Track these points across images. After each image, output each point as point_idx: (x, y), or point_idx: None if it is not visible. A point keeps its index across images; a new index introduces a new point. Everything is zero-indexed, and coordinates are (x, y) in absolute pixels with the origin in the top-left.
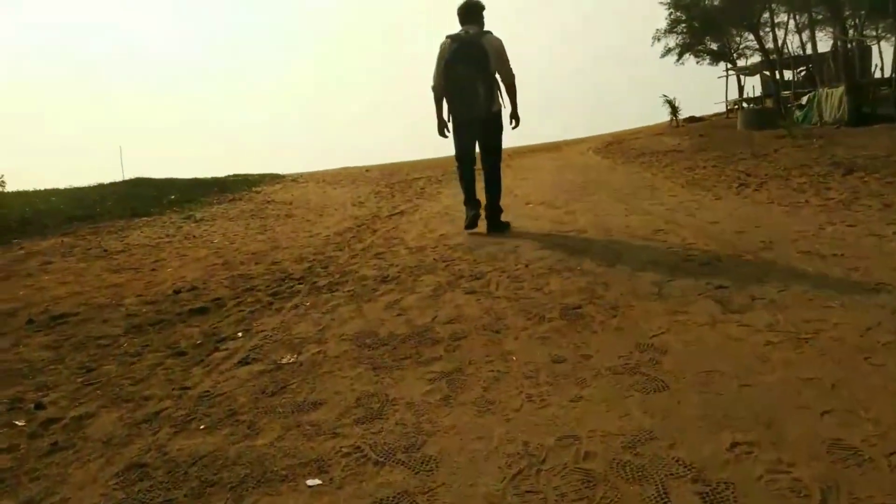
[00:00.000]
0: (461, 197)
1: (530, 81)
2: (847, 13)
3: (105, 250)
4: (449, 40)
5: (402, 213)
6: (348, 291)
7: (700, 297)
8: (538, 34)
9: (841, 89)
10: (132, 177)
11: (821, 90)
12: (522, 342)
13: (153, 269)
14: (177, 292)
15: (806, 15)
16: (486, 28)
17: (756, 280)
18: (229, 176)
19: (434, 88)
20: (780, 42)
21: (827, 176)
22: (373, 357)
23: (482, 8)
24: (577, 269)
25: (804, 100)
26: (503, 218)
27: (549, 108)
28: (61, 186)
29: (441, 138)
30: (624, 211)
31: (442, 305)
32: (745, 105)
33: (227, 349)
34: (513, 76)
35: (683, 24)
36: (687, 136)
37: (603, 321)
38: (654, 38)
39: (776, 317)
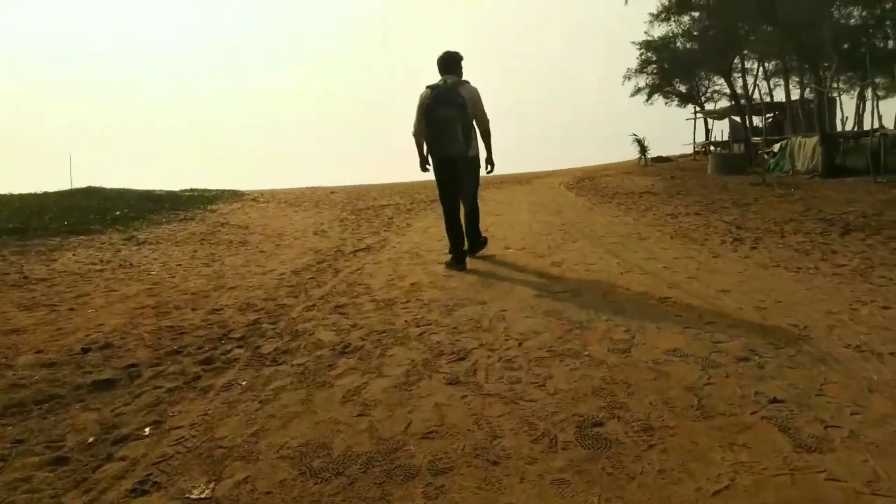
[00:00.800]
0: (429, 232)
1: (501, 111)
2: (824, 64)
3: (25, 277)
4: (429, 90)
5: (367, 248)
6: (298, 366)
7: (755, 418)
8: (509, 64)
9: (815, 139)
10: (83, 185)
11: (793, 139)
12: (530, 489)
13: (71, 309)
14: (86, 350)
15: (777, 62)
16: (463, 77)
17: (815, 392)
18: (186, 191)
19: (415, 134)
20: (749, 88)
21: (824, 234)
22: (320, 500)
23: (460, 59)
24: (584, 354)
25: (776, 147)
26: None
27: (519, 139)
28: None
29: (419, 171)
30: (617, 266)
31: (417, 403)
32: (712, 148)
33: (122, 460)
34: (488, 122)
35: (654, 65)
36: (657, 176)
37: (638, 455)
38: (624, 77)
39: (871, 466)
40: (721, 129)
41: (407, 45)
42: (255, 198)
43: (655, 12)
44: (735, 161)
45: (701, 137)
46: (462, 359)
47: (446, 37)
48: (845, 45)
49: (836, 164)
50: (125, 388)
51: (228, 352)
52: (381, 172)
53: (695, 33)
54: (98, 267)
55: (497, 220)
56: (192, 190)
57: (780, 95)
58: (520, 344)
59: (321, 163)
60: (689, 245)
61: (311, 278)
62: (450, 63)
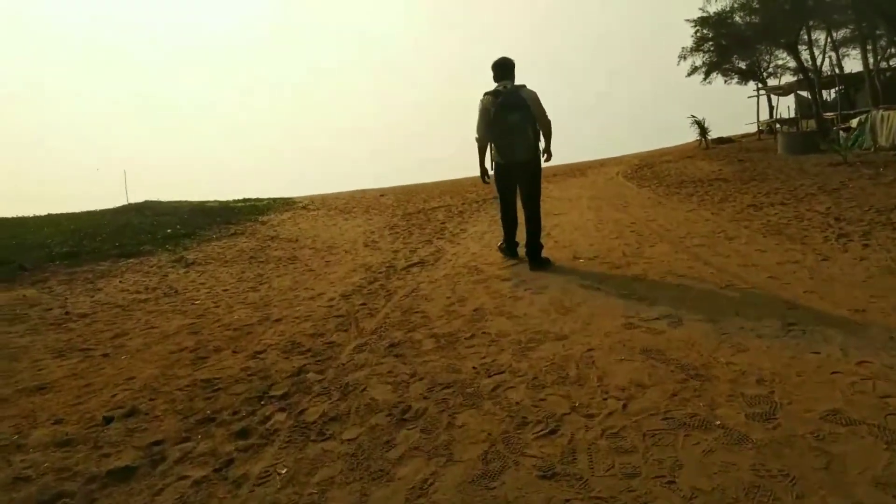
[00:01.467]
0: (486, 239)
1: (550, 97)
2: None
3: (66, 312)
4: (491, 96)
5: (421, 262)
6: (349, 443)
7: None
8: (555, 48)
9: None
10: (140, 200)
11: (874, 112)
12: None
13: (105, 355)
14: (108, 420)
15: (846, 31)
16: (517, 81)
17: None
18: (238, 201)
19: (479, 139)
20: (818, 61)
21: None
22: None
23: (514, 65)
24: (716, 424)
25: (854, 122)
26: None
27: (568, 126)
28: (71, 210)
29: (482, 182)
30: (712, 277)
31: None
32: (778, 126)
33: None
34: (549, 123)
35: (710, 42)
36: (723, 160)
37: None
38: (679, 56)
39: None
40: (787, 106)
41: (449, 43)
42: (307, 206)
43: None
44: (807, 139)
45: (764, 116)
46: (553, 431)
47: (495, 25)
48: None
49: None
50: (144, 478)
51: (268, 418)
52: (428, 171)
53: (755, 5)
54: (143, 296)
55: (558, 220)
56: (245, 200)
57: (849, 66)
58: (624, 406)
59: (370, 163)
60: (787, 245)
61: (363, 304)
62: (506, 68)
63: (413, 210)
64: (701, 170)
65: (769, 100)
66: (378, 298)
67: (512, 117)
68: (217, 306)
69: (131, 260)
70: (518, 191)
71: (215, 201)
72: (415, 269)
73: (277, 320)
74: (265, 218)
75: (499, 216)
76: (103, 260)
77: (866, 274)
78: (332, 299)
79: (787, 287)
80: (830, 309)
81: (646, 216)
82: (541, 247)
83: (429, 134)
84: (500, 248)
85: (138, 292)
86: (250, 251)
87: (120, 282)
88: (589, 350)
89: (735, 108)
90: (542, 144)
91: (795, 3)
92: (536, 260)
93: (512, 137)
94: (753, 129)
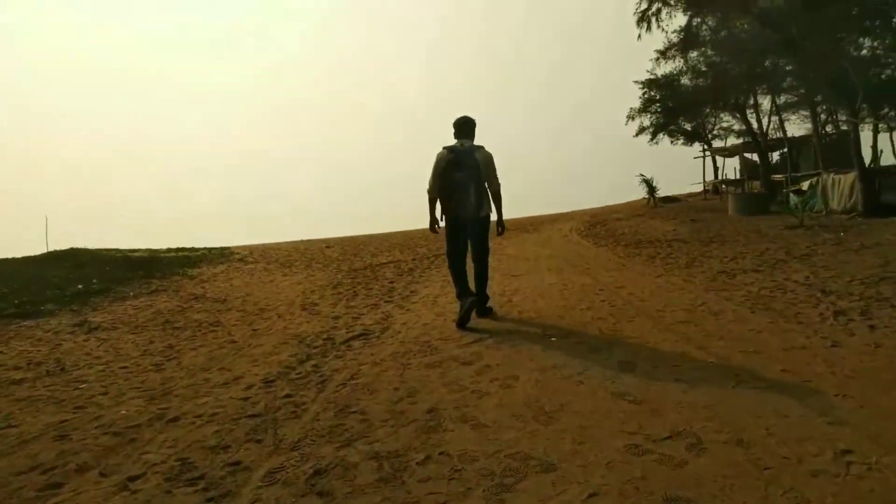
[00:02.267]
0: (439, 305)
1: (501, 150)
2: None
3: None
4: (446, 151)
5: (365, 334)
6: None
7: None
8: (506, 102)
9: (852, 176)
10: (61, 247)
11: (826, 175)
12: None
13: None
14: None
15: (788, 97)
16: (476, 142)
17: None
18: (171, 251)
19: (429, 191)
20: (764, 124)
21: None
22: None
23: (474, 124)
24: None
25: (804, 185)
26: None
27: (518, 180)
28: None
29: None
30: (717, 372)
31: None
32: (724, 187)
33: None
34: (499, 186)
35: (657, 104)
36: (674, 219)
37: None
38: (628, 116)
39: None
40: (734, 167)
41: (405, 84)
42: (244, 257)
43: (662, 49)
44: (758, 200)
45: (710, 176)
46: None
47: (448, 67)
48: (875, 74)
49: (880, 201)
50: None
51: None
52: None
53: (703, 69)
54: (20, 374)
55: (519, 284)
56: (178, 249)
57: (790, 130)
58: None
59: (318, 211)
60: (782, 324)
61: (287, 397)
62: (466, 127)
63: (360, 266)
64: (655, 229)
65: (714, 161)
66: (308, 387)
67: (458, 175)
68: (105, 392)
69: (27, 322)
70: (469, 245)
71: (146, 250)
72: (357, 344)
73: (174, 420)
74: (195, 271)
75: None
76: None
77: (889, 361)
78: (249, 386)
79: (810, 387)
80: (881, 421)
81: (613, 281)
82: (487, 298)
83: (383, 181)
84: (457, 323)
85: (17, 368)
86: (168, 313)
87: (1, 352)
88: (591, 496)
89: (679, 168)
90: (490, 206)
91: (745, 69)
92: (481, 310)
93: (455, 194)
94: (699, 188)
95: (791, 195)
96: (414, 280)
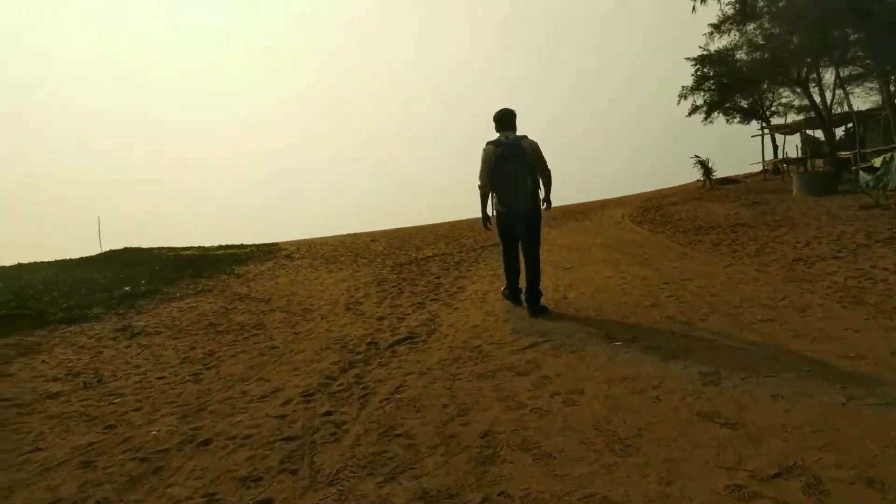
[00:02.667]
0: (489, 303)
1: (542, 134)
2: None
3: None
4: (493, 146)
5: (411, 337)
6: None
7: None
8: (550, 85)
9: None
10: (115, 248)
11: None
12: None
13: None
14: None
15: (854, 68)
16: (519, 132)
17: None
18: (220, 248)
19: (481, 187)
20: (828, 98)
21: None
22: None
23: (515, 116)
24: None
25: (876, 161)
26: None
27: (566, 165)
28: (42, 259)
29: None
30: (816, 381)
31: None
32: (784, 166)
33: None
34: (549, 173)
35: (711, 81)
36: (735, 202)
37: None
38: (679, 95)
39: None
40: (795, 145)
41: (442, 76)
42: (290, 254)
43: (716, 22)
44: (825, 179)
45: (769, 155)
46: None
47: (488, 49)
48: None
49: None
50: None
51: None
52: (424, 212)
53: (761, 42)
54: (56, 387)
55: (573, 278)
56: (226, 247)
57: (856, 104)
58: None
59: (361, 204)
60: (883, 321)
61: (327, 415)
62: (507, 119)
63: (405, 260)
64: (715, 213)
65: (773, 139)
66: (349, 402)
67: (511, 167)
68: (139, 408)
69: (72, 327)
70: (521, 238)
71: (197, 248)
72: (402, 349)
73: (205, 443)
74: (242, 269)
75: (501, 266)
76: (41, 327)
77: None
78: (288, 401)
79: None
80: None
81: (677, 273)
82: (540, 294)
83: (425, 172)
84: (503, 294)
85: (55, 380)
86: (212, 315)
87: (43, 361)
88: None
89: (736, 148)
90: (542, 193)
91: (807, 40)
92: (535, 308)
93: (511, 186)
94: (758, 168)
95: (861, 173)
96: (461, 275)
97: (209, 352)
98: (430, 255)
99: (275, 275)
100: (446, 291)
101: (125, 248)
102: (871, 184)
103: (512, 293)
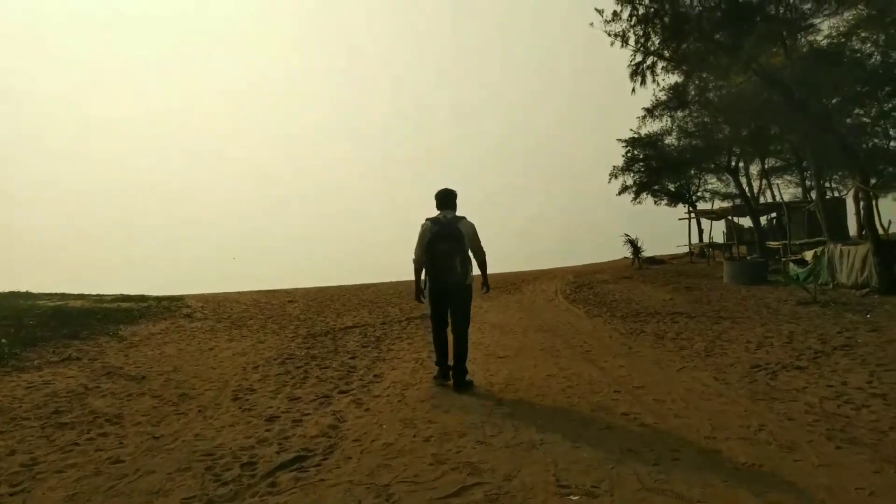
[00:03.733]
0: (408, 400)
1: (473, 198)
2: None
3: None
4: (430, 223)
5: (302, 458)
6: None
7: None
8: (482, 145)
9: (864, 248)
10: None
11: (831, 246)
12: None
13: None
14: None
15: (774, 161)
16: (458, 213)
17: None
18: (117, 298)
19: (415, 261)
20: (755, 188)
21: None
22: None
23: (455, 196)
24: None
25: (807, 255)
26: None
27: (494, 234)
28: None
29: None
30: None
31: None
32: (709, 250)
33: None
34: (484, 254)
35: (641, 163)
36: (667, 285)
37: None
38: (610, 174)
39: None
40: (721, 231)
41: (394, 126)
42: (192, 312)
43: (650, 107)
44: (755, 269)
45: (695, 238)
46: None
47: (429, 121)
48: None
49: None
50: None
51: None
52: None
53: (692, 129)
54: None
55: (509, 373)
56: (126, 298)
57: (776, 195)
58: None
59: (299, 255)
60: (892, 474)
61: None
62: (448, 199)
63: (320, 330)
64: (650, 297)
65: (699, 223)
66: None
67: (442, 246)
68: None
69: None
70: (450, 313)
71: (94, 297)
72: (285, 479)
73: None
74: (129, 330)
75: (427, 346)
76: None
77: None
78: None
79: None
80: None
81: (625, 376)
82: (466, 371)
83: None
84: (434, 378)
85: None
86: (64, 397)
87: None
88: None
89: (663, 227)
90: (474, 272)
91: (741, 130)
92: (460, 384)
93: (444, 264)
94: (684, 249)
95: (791, 265)
96: (380, 356)
97: (30, 461)
98: (350, 324)
99: (164, 341)
100: (360, 380)
101: (11, 292)
102: (800, 276)
103: (440, 369)
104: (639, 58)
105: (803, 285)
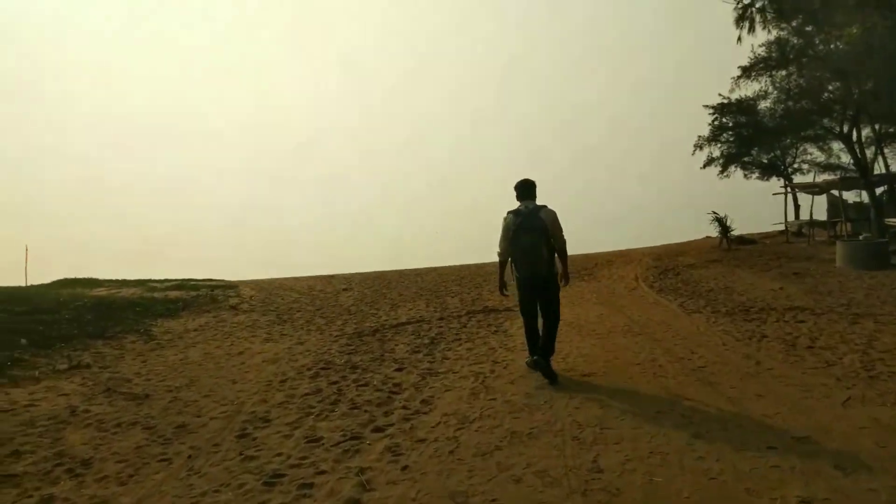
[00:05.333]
0: (461, 451)
1: (544, 176)
2: None
3: None
4: (512, 215)
5: None
6: None
7: None
8: (548, 123)
9: None
10: (60, 278)
11: None
12: None
13: None
14: None
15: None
16: (539, 202)
17: None
18: (168, 284)
19: (500, 254)
20: (868, 157)
21: None
22: None
23: (534, 186)
24: None
25: None
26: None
27: (571, 207)
28: None
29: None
30: None
31: None
32: (806, 229)
33: None
34: (565, 243)
35: (730, 132)
36: (768, 270)
37: None
38: (695, 145)
39: None
40: (810, 207)
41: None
42: (238, 304)
43: (747, 64)
44: (876, 251)
45: (791, 215)
46: None
47: (492, 105)
48: None
49: None
50: None
51: None
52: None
53: (796, 90)
54: None
55: (598, 403)
56: (176, 283)
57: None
58: None
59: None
60: None
61: None
62: (527, 189)
63: (370, 326)
64: (754, 286)
65: (795, 199)
66: None
67: (528, 238)
68: None
69: None
70: (538, 304)
71: (151, 283)
72: None
73: None
74: (163, 326)
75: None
76: None
77: None
78: None
79: None
80: None
81: (774, 417)
82: (552, 351)
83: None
84: (527, 363)
85: None
86: (42, 423)
87: None
88: None
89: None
90: (558, 263)
91: (863, 88)
92: (543, 361)
93: (529, 256)
94: (777, 229)
95: None
96: (433, 367)
97: None
98: (404, 320)
99: (195, 341)
100: (404, 407)
101: (60, 280)
102: None
103: (533, 353)
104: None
105: None
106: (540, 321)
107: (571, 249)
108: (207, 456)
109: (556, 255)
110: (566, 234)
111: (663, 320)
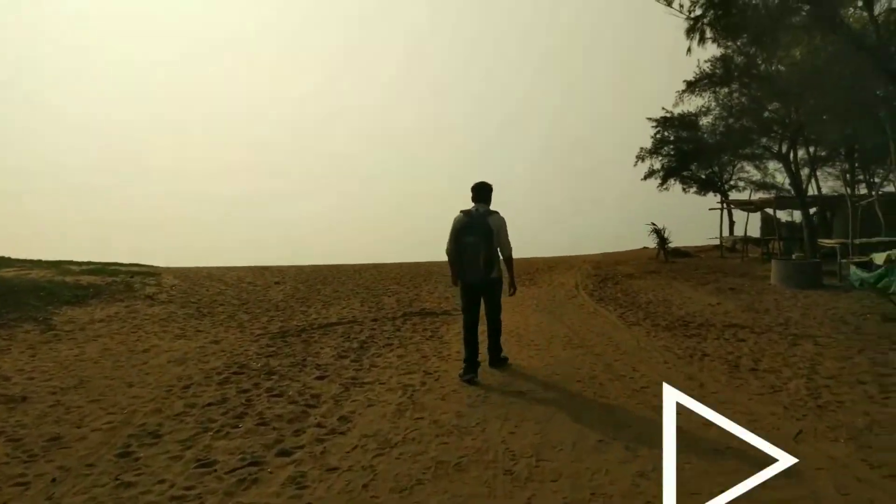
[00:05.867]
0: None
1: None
2: None
3: None
4: (462, 215)
5: None
6: None
7: None
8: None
9: None
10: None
11: None
12: None
13: None
14: None
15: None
16: (492, 207)
17: None
18: (85, 267)
19: (447, 252)
20: (803, 179)
21: None
22: None
23: (491, 189)
24: None
25: (877, 257)
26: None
27: (512, 209)
28: None
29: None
30: None
31: None
32: (738, 244)
33: None
34: (510, 250)
35: (671, 146)
36: (706, 285)
37: None
38: (637, 157)
39: None
40: (747, 224)
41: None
42: (156, 293)
43: (692, 79)
44: (809, 271)
45: (727, 230)
46: None
47: (440, 101)
48: None
49: None
50: None
51: None
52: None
53: (738, 108)
54: None
55: (539, 431)
56: (93, 267)
57: (824, 188)
58: None
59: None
60: None
61: None
62: (482, 192)
63: (296, 326)
64: (690, 300)
65: (730, 215)
66: None
67: (471, 238)
68: None
69: None
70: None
71: (66, 265)
72: None
73: None
74: (69, 314)
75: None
76: None
77: None
78: None
79: None
80: None
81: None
82: (500, 350)
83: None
84: (460, 376)
85: None
86: None
87: None
88: None
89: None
90: (502, 269)
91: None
92: (495, 361)
93: (464, 258)
94: (706, 242)
95: (853, 268)
96: (358, 377)
97: None
98: (335, 320)
99: (98, 333)
100: (318, 425)
101: None
102: (865, 282)
103: (468, 365)
104: (698, 11)
105: (891, 297)
106: (482, 327)
107: (516, 253)
108: (75, 480)
109: (498, 260)
110: (512, 241)
111: (603, 332)
